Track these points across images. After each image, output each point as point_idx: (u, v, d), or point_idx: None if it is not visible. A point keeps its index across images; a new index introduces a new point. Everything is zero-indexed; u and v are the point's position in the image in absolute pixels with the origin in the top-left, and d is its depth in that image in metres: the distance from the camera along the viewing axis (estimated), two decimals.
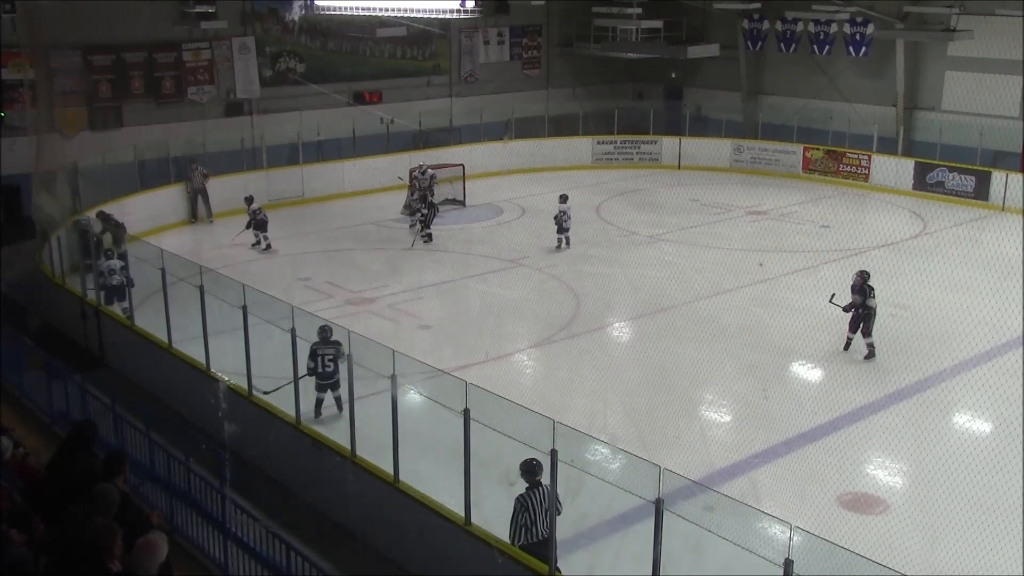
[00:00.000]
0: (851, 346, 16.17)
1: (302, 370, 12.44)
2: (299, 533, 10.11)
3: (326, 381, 13.29)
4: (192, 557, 9.92)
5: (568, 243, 22.57)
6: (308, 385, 12.91)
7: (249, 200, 22.88)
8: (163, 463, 10.66)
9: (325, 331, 13.11)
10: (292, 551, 8.69)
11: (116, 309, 16.73)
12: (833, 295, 16.10)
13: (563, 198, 22.62)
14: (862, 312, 15.95)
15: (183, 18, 26.95)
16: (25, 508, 7.68)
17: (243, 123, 28.21)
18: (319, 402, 13.32)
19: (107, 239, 18.41)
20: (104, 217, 19.51)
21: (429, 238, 23.20)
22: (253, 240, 22.61)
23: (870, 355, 15.90)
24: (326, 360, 13.12)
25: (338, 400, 13.36)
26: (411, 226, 23.76)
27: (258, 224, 22.60)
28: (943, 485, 11.69)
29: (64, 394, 12.63)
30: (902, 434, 13.31)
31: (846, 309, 16.01)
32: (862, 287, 15.97)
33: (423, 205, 23.64)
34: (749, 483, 12.03)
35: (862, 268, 16.37)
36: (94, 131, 25.28)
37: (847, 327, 16.17)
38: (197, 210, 25.12)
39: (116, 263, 16.83)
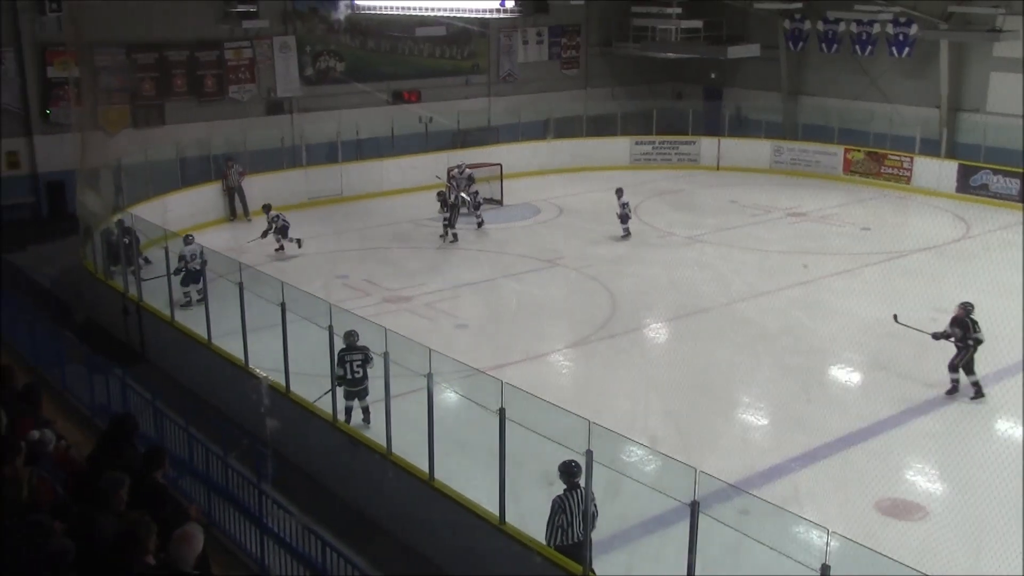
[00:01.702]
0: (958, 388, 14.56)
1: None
2: (335, 529, 10.16)
3: (354, 388, 12.84)
4: (229, 552, 10.00)
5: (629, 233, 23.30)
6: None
7: (267, 208, 22.52)
8: (201, 457, 10.76)
9: (352, 336, 12.67)
10: (327, 547, 8.74)
11: (192, 292, 17.55)
12: (895, 316, 15.02)
13: (619, 192, 23.28)
14: (961, 347, 14.42)
15: (225, 17, 27.21)
16: (66, 500, 7.78)
17: (283, 121, 28.45)
18: (348, 410, 12.87)
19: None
20: (122, 228, 19.27)
21: (455, 238, 23.23)
22: (276, 246, 22.14)
23: (977, 394, 14.29)
24: (354, 366, 12.71)
25: (366, 411, 13.02)
26: (442, 235, 23.75)
27: (280, 230, 22.15)
28: (985, 492, 11.49)
29: (105, 388, 12.79)
30: (943, 440, 13.14)
31: (936, 337, 14.62)
32: (964, 320, 14.42)
33: (445, 207, 23.73)
34: (787, 487, 11.93)
35: (965, 300, 14.66)
36: (137, 128, 25.63)
37: (947, 368, 14.54)
38: (235, 207, 25.33)
39: (196, 247, 17.32)
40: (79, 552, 6.36)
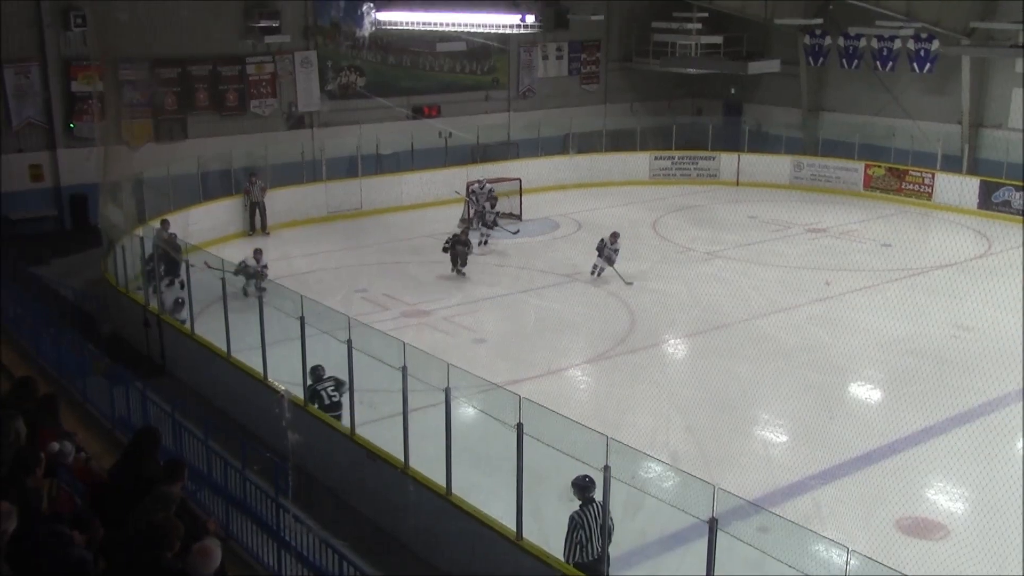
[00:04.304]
0: None
1: (360, 382, 12.46)
2: (352, 543, 10.17)
3: (334, 413, 12.94)
4: (247, 564, 10.02)
5: (600, 273, 21.28)
6: (363, 396, 12.94)
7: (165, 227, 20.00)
8: (220, 470, 10.80)
9: (318, 370, 12.96)
10: (345, 561, 8.74)
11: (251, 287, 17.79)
12: None
13: (614, 237, 21.28)
14: None
15: (247, 32, 27.45)
16: (86, 511, 7.82)
17: (304, 136, 28.64)
18: None
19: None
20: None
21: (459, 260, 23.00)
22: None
23: None
24: (329, 392, 12.93)
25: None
26: (479, 243, 23.73)
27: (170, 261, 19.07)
28: (1008, 512, 11.38)
29: (126, 400, 12.86)
30: (965, 458, 13.00)
31: None
32: None
33: (479, 221, 23.76)
34: (807, 504, 11.85)
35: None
36: (159, 142, 25.83)
37: None
38: (254, 222, 25.47)
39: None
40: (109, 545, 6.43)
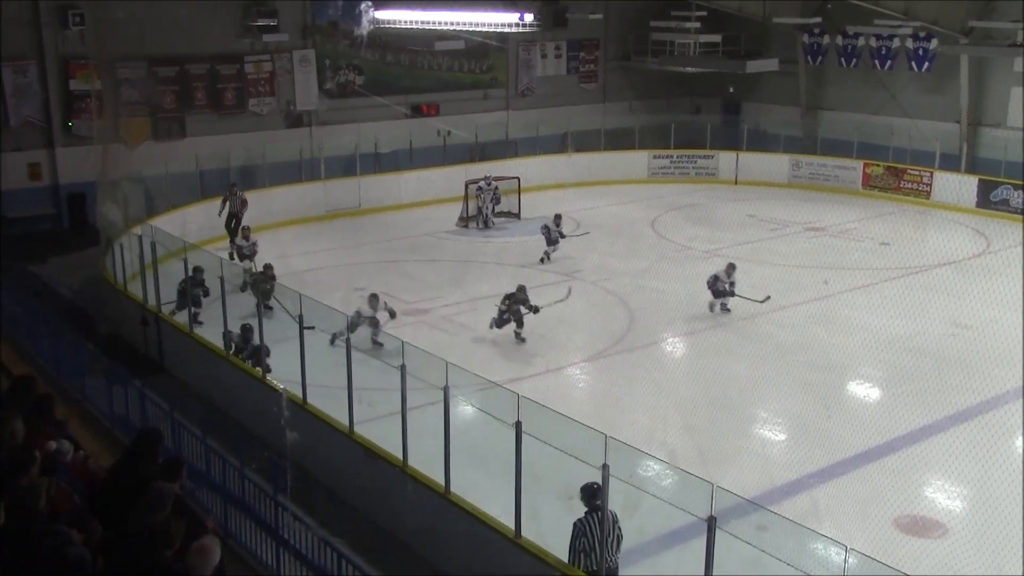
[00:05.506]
0: None
1: (359, 380, 12.46)
2: (351, 541, 10.15)
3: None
4: (245, 563, 10.02)
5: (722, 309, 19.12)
6: (362, 395, 12.95)
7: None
8: (219, 469, 10.79)
9: (245, 332, 14.80)
10: (344, 559, 8.74)
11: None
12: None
13: (730, 269, 19.08)
14: None
15: (246, 31, 27.43)
16: (85, 510, 7.81)
17: (302, 134, 28.62)
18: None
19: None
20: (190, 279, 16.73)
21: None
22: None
23: None
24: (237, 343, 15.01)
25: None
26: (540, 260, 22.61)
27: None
28: (1006, 510, 11.38)
29: (124, 399, 12.85)
30: (963, 457, 13.00)
31: None
32: None
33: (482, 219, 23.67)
34: (805, 503, 11.86)
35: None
36: (158, 141, 25.80)
37: None
38: (232, 229, 23.44)
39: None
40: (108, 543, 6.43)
